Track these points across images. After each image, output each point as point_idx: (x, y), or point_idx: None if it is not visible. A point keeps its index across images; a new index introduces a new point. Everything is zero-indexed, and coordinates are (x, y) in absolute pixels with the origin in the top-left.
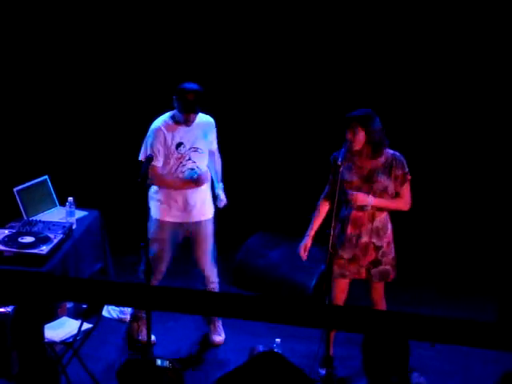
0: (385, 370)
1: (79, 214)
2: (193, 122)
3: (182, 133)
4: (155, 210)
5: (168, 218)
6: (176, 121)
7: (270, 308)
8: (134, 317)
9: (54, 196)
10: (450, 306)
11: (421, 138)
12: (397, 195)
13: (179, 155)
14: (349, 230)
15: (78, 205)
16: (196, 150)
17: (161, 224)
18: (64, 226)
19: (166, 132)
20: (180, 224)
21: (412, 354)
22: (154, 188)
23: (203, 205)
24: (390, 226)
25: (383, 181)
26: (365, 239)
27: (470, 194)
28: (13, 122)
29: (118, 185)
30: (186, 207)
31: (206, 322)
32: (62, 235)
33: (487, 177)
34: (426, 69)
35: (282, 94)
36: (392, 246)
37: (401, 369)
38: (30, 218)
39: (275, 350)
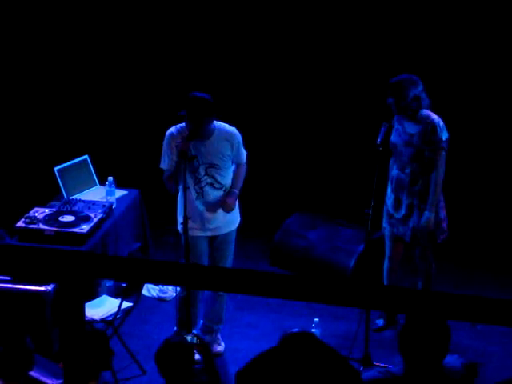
0: (422, 354)
1: (119, 193)
2: (204, 135)
3: (197, 145)
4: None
5: (190, 233)
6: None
7: (309, 287)
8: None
9: (94, 175)
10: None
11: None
12: (430, 163)
13: (192, 169)
14: (395, 190)
15: (118, 184)
16: (213, 165)
17: (185, 239)
18: (104, 205)
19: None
20: (203, 237)
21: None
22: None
23: (225, 217)
24: None
25: (419, 146)
26: (409, 201)
27: None
28: (55, 101)
29: (158, 164)
30: (204, 220)
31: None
32: (102, 214)
33: None
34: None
35: (319, 76)
36: (440, 207)
37: (440, 353)
38: (71, 197)
39: (313, 330)
